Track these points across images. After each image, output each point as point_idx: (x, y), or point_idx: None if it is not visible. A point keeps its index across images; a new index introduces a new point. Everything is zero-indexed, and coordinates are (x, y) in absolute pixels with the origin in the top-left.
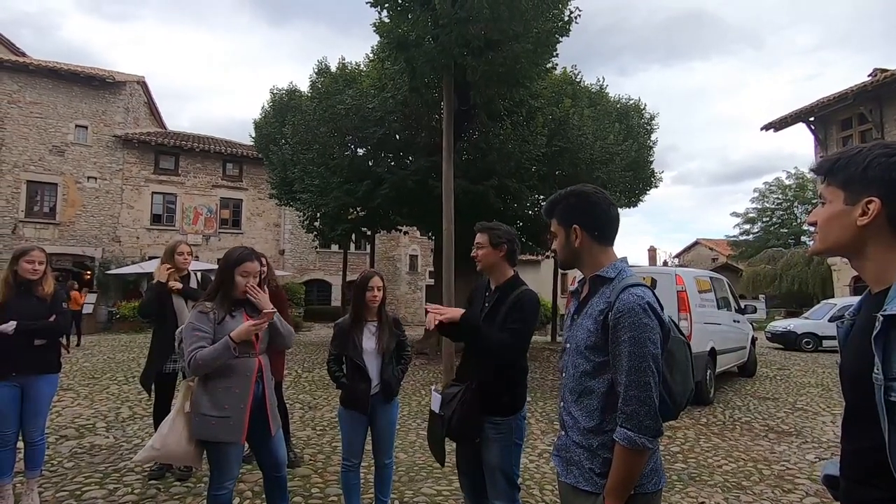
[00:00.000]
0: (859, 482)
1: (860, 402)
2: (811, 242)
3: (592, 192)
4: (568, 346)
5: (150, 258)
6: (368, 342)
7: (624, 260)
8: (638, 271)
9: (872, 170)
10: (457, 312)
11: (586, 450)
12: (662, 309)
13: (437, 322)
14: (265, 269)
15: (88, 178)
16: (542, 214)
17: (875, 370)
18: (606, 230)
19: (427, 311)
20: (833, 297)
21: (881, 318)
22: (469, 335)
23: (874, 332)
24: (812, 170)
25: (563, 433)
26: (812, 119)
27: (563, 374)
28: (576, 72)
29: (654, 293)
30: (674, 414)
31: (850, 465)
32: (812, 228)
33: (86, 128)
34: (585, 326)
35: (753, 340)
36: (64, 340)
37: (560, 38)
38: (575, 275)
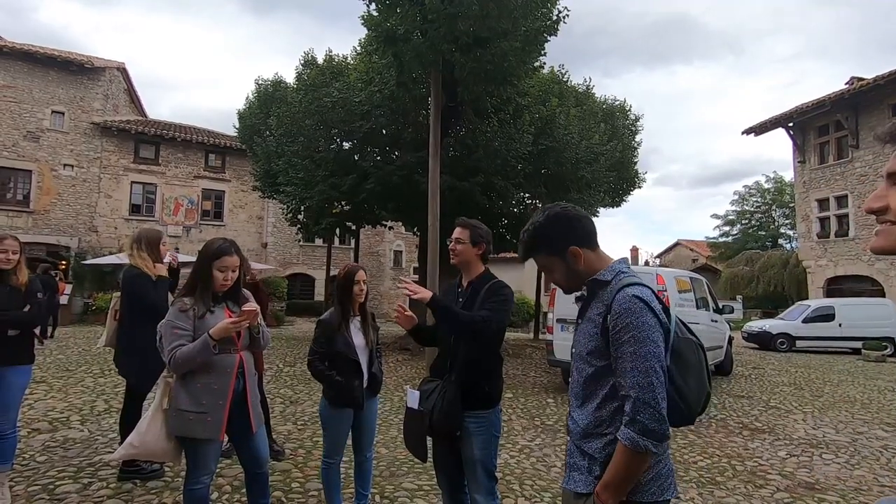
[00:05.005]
0: None
1: None
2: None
3: (565, 209)
4: (574, 351)
5: None
6: (357, 337)
7: (623, 261)
8: None
9: None
10: (427, 293)
11: (587, 454)
12: (667, 310)
13: (406, 312)
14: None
15: (64, 165)
16: (521, 257)
17: None
18: (593, 235)
19: (401, 282)
20: (808, 298)
21: None
22: (441, 315)
23: None
24: (879, 137)
25: (569, 439)
26: (791, 125)
27: (570, 380)
28: (563, 71)
29: (653, 291)
30: (689, 419)
31: None
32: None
33: (62, 114)
34: (586, 331)
35: (730, 340)
36: (40, 331)
37: (548, 38)
38: None
